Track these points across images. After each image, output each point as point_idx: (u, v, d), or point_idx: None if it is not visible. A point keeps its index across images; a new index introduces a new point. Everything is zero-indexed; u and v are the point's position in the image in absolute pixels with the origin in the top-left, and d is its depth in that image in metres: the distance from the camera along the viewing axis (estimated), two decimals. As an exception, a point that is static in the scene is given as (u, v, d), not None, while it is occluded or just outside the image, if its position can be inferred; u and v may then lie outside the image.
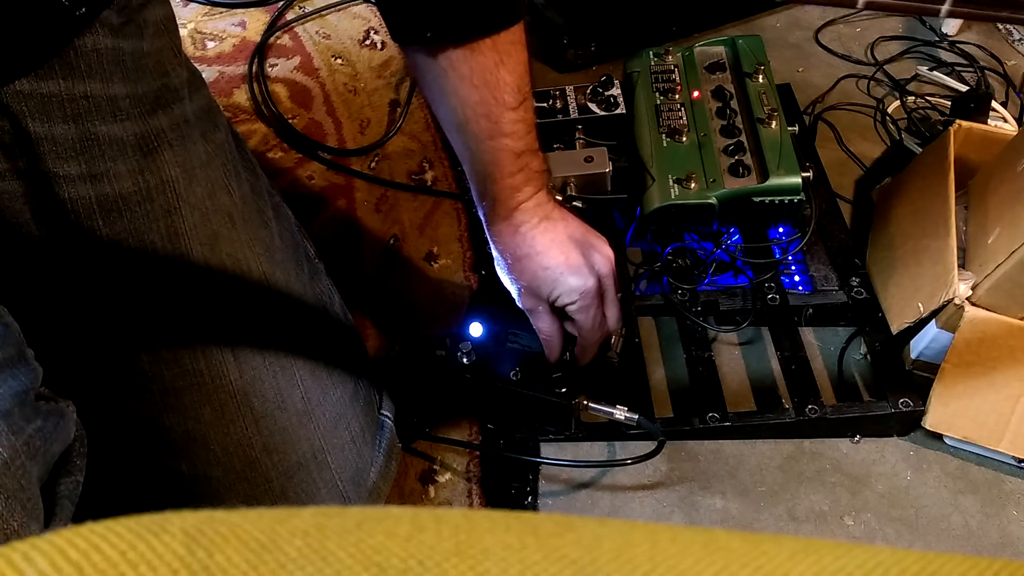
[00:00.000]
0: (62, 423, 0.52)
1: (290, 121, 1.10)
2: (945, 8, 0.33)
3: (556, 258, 0.66)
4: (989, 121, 1.02)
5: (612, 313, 0.72)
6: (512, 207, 0.65)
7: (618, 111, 0.99)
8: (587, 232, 0.69)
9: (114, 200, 0.60)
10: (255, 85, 1.14)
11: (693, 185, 0.87)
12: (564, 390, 0.75)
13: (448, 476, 0.79)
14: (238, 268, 0.66)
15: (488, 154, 0.63)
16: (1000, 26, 1.21)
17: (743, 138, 0.91)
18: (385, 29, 1.23)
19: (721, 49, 1.01)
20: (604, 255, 0.68)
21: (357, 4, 1.28)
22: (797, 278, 0.89)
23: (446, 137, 1.09)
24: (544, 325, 0.72)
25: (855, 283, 0.87)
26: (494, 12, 0.58)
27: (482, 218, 0.68)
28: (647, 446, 0.76)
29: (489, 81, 0.60)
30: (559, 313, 0.71)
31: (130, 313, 0.63)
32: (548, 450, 0.81)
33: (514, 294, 0.71)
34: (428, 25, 0.58)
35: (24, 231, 0.59)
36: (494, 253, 0.70)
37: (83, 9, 0.55)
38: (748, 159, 0.89)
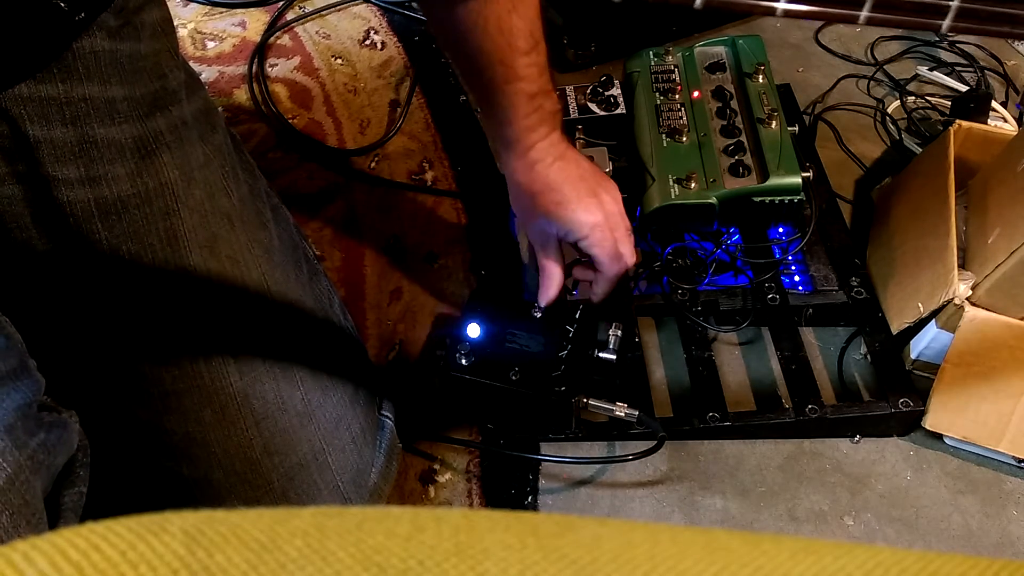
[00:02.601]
0: (65, 434, 0.52)
1: (290, 121, 1.10)
2: (945, 24, 0.33)
3: (568, 194, 0.70)
4: (989, 121, 1.02)
5: (626, 248, 0.74)
6: (528, 146, 0.69)
7: (618, 111, 0.99)
8: (597, 172, 0.73)
9: (113, 203, 0.60)
10: (255, 85, 1.14)
11: (693, 185, 0.87)
12: (563, 388, 0.75)
13: (448, 476, 0.79)
14: (237, 270, 0.66)
15: (505, 98, 0.67)
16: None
17: (743, 138, 0.91)
18: (385, 29, 1.24)
19: (721, 49, 1.01)
20: (612, 195, 0.72)
21: (357, 4, 1.28)
22: (797, 278, 0.89)
23: (446, 137, 1.10)
24: (548, 261, 0.75)
25: (855, 283, 0.87)
26: None
27: (501, 160, 0.73)
28: (647, 445, 0.76)
29: (503, 28, 0.63)
30: (566, 255, 0.76)
31: (130, 316, 0.63)
32: (548, 450, 0.80)
33: (527, 230, 0.75)
34: None
35: (24, 235, 0.59)
36: (510, 190, 0.74)
37: (82, 15, 0.55)
38: (748, 159, 0.89)
